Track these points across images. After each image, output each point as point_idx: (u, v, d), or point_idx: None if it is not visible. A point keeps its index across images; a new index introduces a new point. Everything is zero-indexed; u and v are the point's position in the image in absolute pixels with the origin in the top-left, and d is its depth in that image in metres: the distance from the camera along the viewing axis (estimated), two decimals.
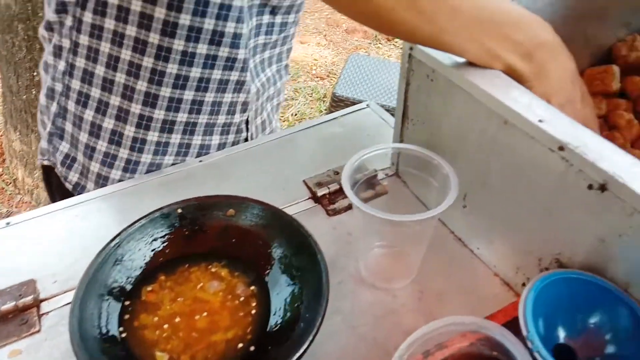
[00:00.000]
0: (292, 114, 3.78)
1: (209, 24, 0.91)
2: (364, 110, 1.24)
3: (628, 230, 0.60)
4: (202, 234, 0.83)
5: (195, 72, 0.96)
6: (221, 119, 1.07)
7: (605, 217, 0.62)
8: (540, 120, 0.67)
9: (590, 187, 0.61)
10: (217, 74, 0.99)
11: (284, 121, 3.71)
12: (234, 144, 1.14)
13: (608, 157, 0.61)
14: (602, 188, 0.60)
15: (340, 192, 0.99)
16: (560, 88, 0.70)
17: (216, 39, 0.93)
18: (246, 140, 1.16)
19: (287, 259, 0.79)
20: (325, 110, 3.09)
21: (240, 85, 1.03)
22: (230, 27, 0.93)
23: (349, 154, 0.83)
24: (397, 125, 0.98)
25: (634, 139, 0.97)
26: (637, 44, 1.04)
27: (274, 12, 1.04)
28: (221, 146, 1.11)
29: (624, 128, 0.97)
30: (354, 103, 2.55)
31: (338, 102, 2.59)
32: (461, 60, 0.77)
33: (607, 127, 1.00)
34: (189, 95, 0.99)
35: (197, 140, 1.07)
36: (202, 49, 0.94)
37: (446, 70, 0.78)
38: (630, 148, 0.92)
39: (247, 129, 1.14)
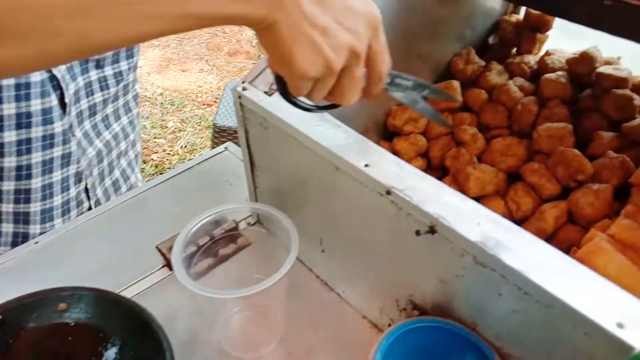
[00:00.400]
0: (181, 146, 3.63)
1: (9, 109, 0.80)
2: (222, 154, 1.17)
3: (462, 271, 0.58)
4: (30, 338, 0.72)
5: (10, 162, 0.84)
6: (57, 200, 0.95)
7: (440, 259, 0.60)
8: (366, 165, 0.64)
9: (417, 232, 0.59)
10: (37, 157, 0.87)
11: (173, 155, 3.56)
12: None
13: (434, 199, 0.59)
14: (432, 230, 0.58)
15: (195, 254, 0.91)
16: (313, 12, 0.46)
17: (23, 122, 0.82)
18: (90, 209, 1.05)
19: (131, 350, 0.70)
20: (210, 141, 2.99)
21: (66, 158, 0.92)
22: (36, 105, 0.82)
23: (207, 207, 0.77)
24: (247, 172, 0.92)
25: (480, 152, 0.99)
26: (472, 57, 1.06)
27: (99, 65, 0.95)
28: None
29: (469, 143, 0.98)
30: (236, 132, 2.48)
31: (220, 133, 2.50)
32: (289, 108, 0.73)
33: (455, 143, 1.01)
34: (9, 185, 0.87)
35: (35, 229, 0.94)
36: (11, 136, 0.82)
37: (275, 119, 0.73)
38: (477, 164, 0.93)
39: (89, 198, 1.04)
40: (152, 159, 3.53)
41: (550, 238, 0.86)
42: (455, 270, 0.59)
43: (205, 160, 1.15)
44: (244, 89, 0.78)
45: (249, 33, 4.87)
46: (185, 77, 4.41)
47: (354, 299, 0.83)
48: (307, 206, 0.81)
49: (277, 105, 0.74)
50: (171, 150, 3.63)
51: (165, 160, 3.51)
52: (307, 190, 0.79)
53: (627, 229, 0.72)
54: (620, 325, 0.45)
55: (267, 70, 0.80)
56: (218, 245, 0.90)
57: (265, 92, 0.77)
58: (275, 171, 0.84)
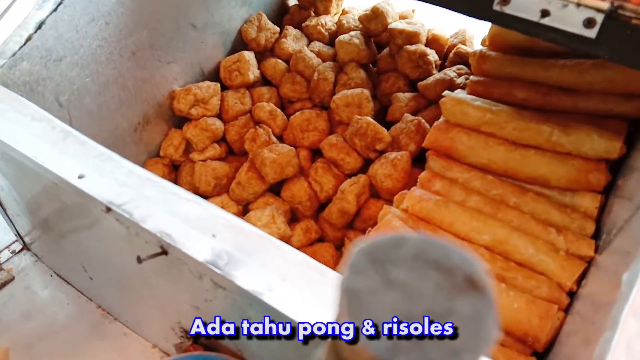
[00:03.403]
0: None
1: None
2: None
3: (207, 295, 0.46)
4: None
5: None
6: None
7: (183, 283, 0.48)
8: (80, 177, 0.49)
9: (138, 259, 0.46)
10: None
11: None
12: None
13: (163, 211, 0.46)
14: (164, 251, 0.46)
15: None
16: None
17: None
18: None
19: None
20: None
21: None
22: None
23: None
24: None
25: (282, 129, 0.88)
26: (264, 23, 0.94)
27: None
28: None
29: (267, 121, 0.87)
30: None
31: None
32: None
33: (254, 123, 0.89)
34: None
35: None
36: None
37: None
38: (275, 145, 0.82)
39: None
40: None
41: (356, 217, 0.78)
42: (201, 294, 0.47)
43: None
44: None
45: None
46: None
47: (138, 328, 0.70)
48: (57, 229, 0.65)
49: None
50: None
51: None
52: (48, 210, 0.63)
53: (419, 201, 0.66)
54: None
55: None
56: None
57: None
58: (13, 189, 0.67)
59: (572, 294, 0.57)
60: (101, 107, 0.76)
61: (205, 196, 0.84)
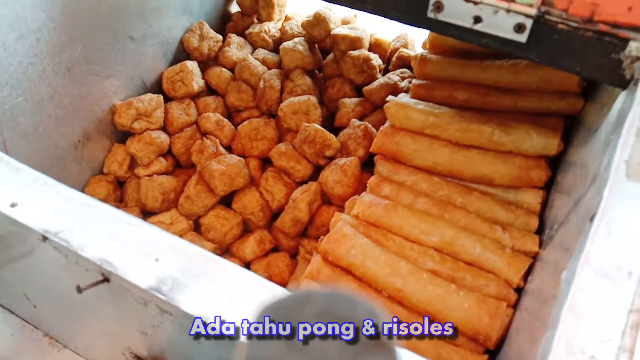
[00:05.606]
0: None
1: None
2: None
3: (154, 320, 0.45)
4: None
5: None
6: None
7: (129, 309, 0.46)
8: (13, 205, 0.47)
9: (79, 289, 0.44)
10: None
11: None
12: None
13: (103, 238, 0.44)
14: (106, 279, 0.44)
15: None
16: None
17: None
18: None
19: None
20: None
21: None
22: None
23: None
24: None
25: (230, 139, 0.87)
26: (205, 32, 0.93)
27: None
28: None
29: (214, 131, 0.86)
30: None
31: None
32: None
33: (201, 135, 0.88)
34: None
35: None
36: None
37: None
38: (225, 156, 0.81)
39: None
40: None
41: (309, 224, 0.78)
42: (148, 320, 0.46)
43: None
44: None
45: None
46: None
47: (89, 354, 0.67)
48: None
49: None
50: None
51: None
52: None
53: (369, 207, 0.66)
54: None
55: None
56: None
57: None
58: None
59: (519, 290, 0.59)
60: (37, 127, 0.72)
61: (153, 212, 0.82)
